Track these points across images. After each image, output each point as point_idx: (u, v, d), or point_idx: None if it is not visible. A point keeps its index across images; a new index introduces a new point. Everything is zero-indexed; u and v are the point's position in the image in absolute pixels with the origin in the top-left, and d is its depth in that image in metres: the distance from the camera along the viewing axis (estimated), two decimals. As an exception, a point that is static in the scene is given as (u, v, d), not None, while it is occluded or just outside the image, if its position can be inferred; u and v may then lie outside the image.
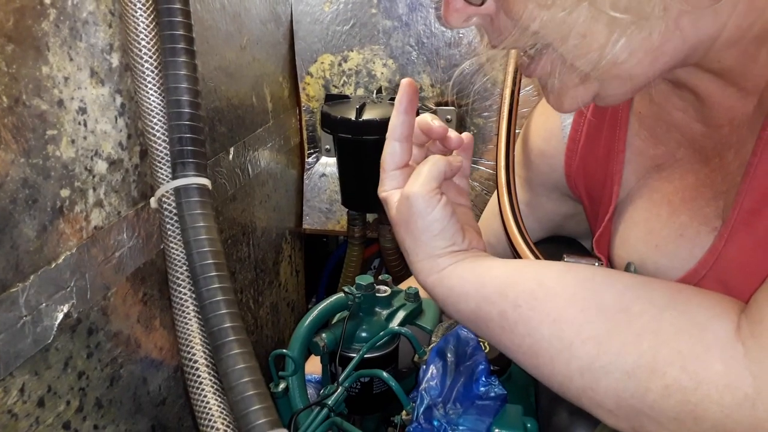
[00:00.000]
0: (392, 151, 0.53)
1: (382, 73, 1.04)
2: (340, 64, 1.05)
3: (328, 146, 1.12)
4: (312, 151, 1.13)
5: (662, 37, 0.41)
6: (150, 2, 0.52)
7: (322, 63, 1.05)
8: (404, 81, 0.53)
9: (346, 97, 1.05)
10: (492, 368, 0.57)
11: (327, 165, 1.13)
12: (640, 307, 0.42)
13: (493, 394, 0.55)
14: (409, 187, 0.51)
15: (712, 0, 0.40)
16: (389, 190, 0.54)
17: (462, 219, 0.54)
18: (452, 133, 0.57)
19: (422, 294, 0.70)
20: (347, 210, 1.11)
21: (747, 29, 0.42)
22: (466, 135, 0.58)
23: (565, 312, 0.44)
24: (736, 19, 0.42)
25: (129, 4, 0.51)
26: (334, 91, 1.07)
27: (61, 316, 0.47)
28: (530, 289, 0.46)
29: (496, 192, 0.72)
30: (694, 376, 0.38)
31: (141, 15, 0.52)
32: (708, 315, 0.40)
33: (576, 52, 0.43)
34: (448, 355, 0.58)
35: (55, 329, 0.47)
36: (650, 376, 0.40)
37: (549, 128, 0.68)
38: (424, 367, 0.58)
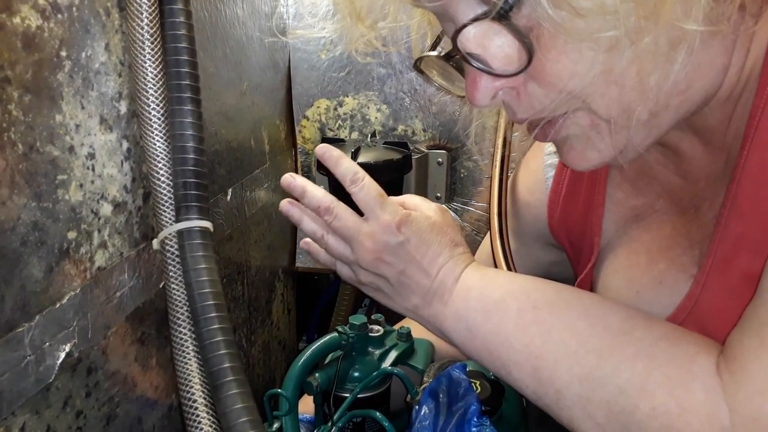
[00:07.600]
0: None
1: (376, 117, 1.08)
2: (335, 109, 1.08)
3: (323, 186, 1.14)
4: (306, 191, 1.15)
5: (697, 71, 0.42)
6: (159, 53, 0.55)
7: (318, 107, 1.09)
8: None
9: (342, 140, 1.08)
10: (483, 409, 0.59)
11: (321, 205, 1.15)
12: (640, 333, 0.46)
13: (484, 435, 0.56)
14: (427, 203, 0.60)
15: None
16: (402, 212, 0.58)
17: None
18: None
19: (414, 333, 0.71)
20: (340, 249, 1.12)
21: (735, 85, 0.45)
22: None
23: (576, 323, 0.48)
24: (729, 76, 0.44)
25: (139, 54, 0.54)
26: (329, 134, 1.10)
27: (63, 355, 0.48)
28: (550, 297, 0.51)
29: (488, 237, 0.74)
30: (679, 402, 0.42)
31: (150, 65, 0.54)
32: (696, 349, 0.44)
33: (627, 98, 0.41)
34: (441, 395, 0.59)
35: (57, 368, 0.48)
36: (640, 394, 0.43)
37: (533, 180, 0.72)
38: (417, 407, 0.59)
